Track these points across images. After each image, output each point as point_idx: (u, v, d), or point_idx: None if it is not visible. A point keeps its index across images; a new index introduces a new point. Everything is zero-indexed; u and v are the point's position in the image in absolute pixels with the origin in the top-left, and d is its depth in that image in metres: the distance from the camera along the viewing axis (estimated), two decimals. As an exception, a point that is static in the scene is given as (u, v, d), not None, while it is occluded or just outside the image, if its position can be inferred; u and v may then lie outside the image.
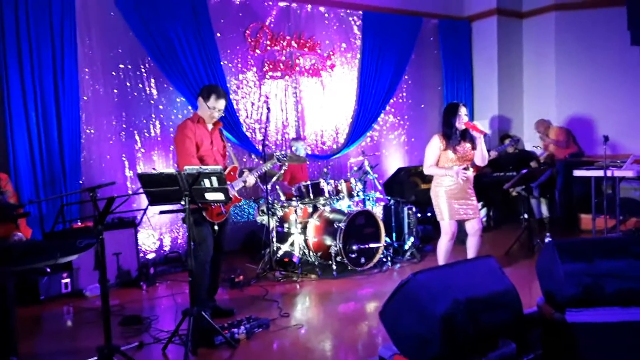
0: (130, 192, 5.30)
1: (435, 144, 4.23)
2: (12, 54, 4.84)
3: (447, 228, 4.27)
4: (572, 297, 2.51)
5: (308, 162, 6.24)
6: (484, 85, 8.31)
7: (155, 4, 5.53)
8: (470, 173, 4.26)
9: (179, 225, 5.91)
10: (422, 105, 7.76)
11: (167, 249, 5.82)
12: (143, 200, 4.67)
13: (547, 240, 5.58)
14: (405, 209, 5.57)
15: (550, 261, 2.64)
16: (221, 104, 3.79)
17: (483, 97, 8.32)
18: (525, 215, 6.07)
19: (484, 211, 7.40)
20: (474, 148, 4.23)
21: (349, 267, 5.05)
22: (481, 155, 4.18)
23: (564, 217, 6.98)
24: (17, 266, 2.59)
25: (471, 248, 4.36)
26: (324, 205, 5.48)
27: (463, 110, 4.18)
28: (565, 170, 6.76)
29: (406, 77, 7.75)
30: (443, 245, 4.33)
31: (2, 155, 4.87)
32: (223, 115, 3.96)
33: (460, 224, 4.41)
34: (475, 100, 8.40)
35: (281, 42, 6.58)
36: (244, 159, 6.39)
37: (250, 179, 4.01)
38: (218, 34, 6.04)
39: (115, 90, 5.52)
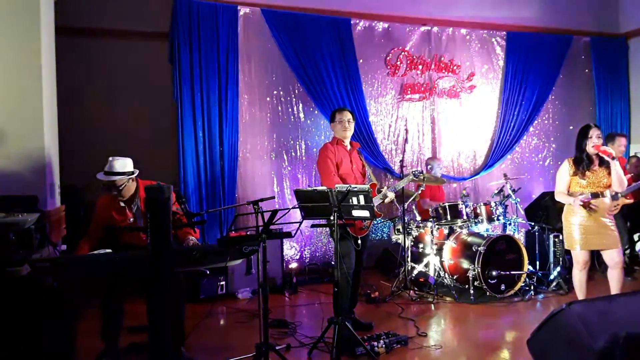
0: (277, 206, 5.76)
1: (564, 169, 4.05)
2: (186, 83, 5.61)
3: (577, 257, 4.06)
4: None
5: (445, 182, 6.21)
6: (642, 107, 7.59)
7: (306, 35, 6.04)
8: (607, 200, 3.93)
9: (318, 239, 6.27)
10: (571, 127, 7.28)
11: (307, 260, 6.19)
12: (291, 213, 5.04)
13: None
14: (551, 236, 5.27)
15: None
16: (345, 114, 4.13)
17: (642, 119, 7.59)
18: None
19: (640, 244, 6.69)
20: (611, 173, 3.92)
21: (488, 293, 4.93)
22: (617, 180, 3.86)
23: None
24: (196, 266, 3.02)
25: (613, 282, 4.01)
26: (461, 227, 5.42)
27: (595, 133, 3.91)
28: None
29: (552, 97, 7.37)
30: (576, 276, 4.13)
31: (175, 169, 5.63)
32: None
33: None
34: (633, 121, 7.69)
35: (420, 65, 6.70)
36: (382, 178, 6.57)
37: (390, 195, 4.17)
38: (360, 60, 6.36)
39: (269, 114, 6.10)
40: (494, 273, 4.93)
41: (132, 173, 3.58)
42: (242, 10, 5.91)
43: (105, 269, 2.82)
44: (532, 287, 5.08)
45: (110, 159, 3.57)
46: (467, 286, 4.98)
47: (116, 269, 2.82)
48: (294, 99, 6.17)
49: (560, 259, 5.26)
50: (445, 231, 5.52)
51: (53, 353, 2.86)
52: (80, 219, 5.22)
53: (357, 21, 6.40)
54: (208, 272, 4.99)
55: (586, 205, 3.88)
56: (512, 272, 5.01)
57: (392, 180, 6.54)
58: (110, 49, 5.78)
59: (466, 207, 5.36)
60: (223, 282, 5.17)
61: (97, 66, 5.75)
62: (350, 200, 3.43)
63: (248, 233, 5.01)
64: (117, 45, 5.80)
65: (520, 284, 5.05)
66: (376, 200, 4.09)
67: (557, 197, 4.14)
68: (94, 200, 3.80)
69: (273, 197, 3.59)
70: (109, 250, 3.27)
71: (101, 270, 2.83)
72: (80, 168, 5.41)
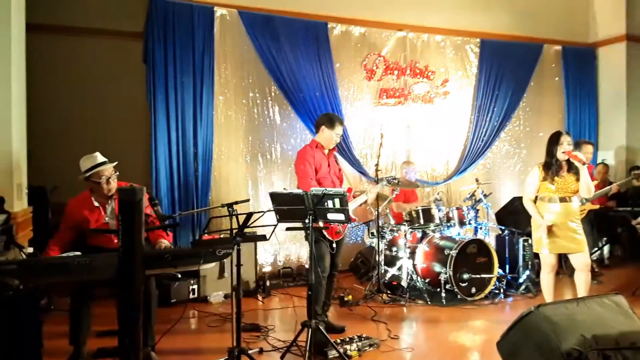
0: (251, 209, 5.71)
1: (534, 174, 4.15)
2: (160, 83, 5.53)
3: (545, 260, 4.17)
4: None
5: (419, 186, 6.28)
6: (610, 115, 7.85)
7: (283, 38, 6.03)
8: (575, 206, 4.09)
9: (292, 242, 6.25)
10: (541, 134, 7.46)
11: (280, 264, 6.17)
12: (266, 217, 5.01)
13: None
14: (521, 240, 5.39)
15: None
16: (341, 129, 4.15)
17: (609, 127, 7.85)
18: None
19: (606, 248, 6.89)
20: (579, 179, 4.04)
21: (459, 296, 4.99)
22: (585, 187, 4.00)
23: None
24: (167, 268, 2.98)
25: (580, 285, 4.13)
26: (433, 231, 5.49)
27: (566, 139, 4.03)
28: None
29: (523, 104, 7.55)
30: (544, 279, 4.24)
31: (147, 171, 5.53)
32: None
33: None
34: (600, 129, 7.94)
35: (396, 70, 6.77)
36: (356, 183, 6.60)
37: (371, 196, 4.22)
38: (337, 64, 6.39)
39: (244, 116, 6.06)
40: (465, 276, 5.01)
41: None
42: (219, 12, 5.86)
43: (74, 271, 2.75)
44: (501, 290, 5.17)
45: (85, 157, 3.53)
46: (438, 289, 5.04)
47: (85, 272, 2.75)
48: (270, 102, 6.15)
49: (529, 262, 5.38)
50: (419, 235, 5.58)
51: (19, 358, 2.78)
52: (48, 221, 5.10)
53: (334, 25, 6.42)
54: (180, 276, 4.97)
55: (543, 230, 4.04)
56: (483, 276, 5.10)
57: (366, 184, 6.57)
58: (82, 48, 5.65)
59: (439, 211, 5.43)
60: (195, 286, 5.10)
61: (68, 65, 5.61)
62: (326, 203, 3.43)
63: (222, 236, 5.01)
64: (89, 43, 5.67)
65: (491, 287, 5.14)
66: (352, 205, 4.11)
67: (525, 204, 4.24)
68: (62, 202, 3.72)
69: (248, 200, 3.57)
70: (78, 253, 3.19)
71: (69, 273, 2.76)
72: (49, 169, 5.28)
